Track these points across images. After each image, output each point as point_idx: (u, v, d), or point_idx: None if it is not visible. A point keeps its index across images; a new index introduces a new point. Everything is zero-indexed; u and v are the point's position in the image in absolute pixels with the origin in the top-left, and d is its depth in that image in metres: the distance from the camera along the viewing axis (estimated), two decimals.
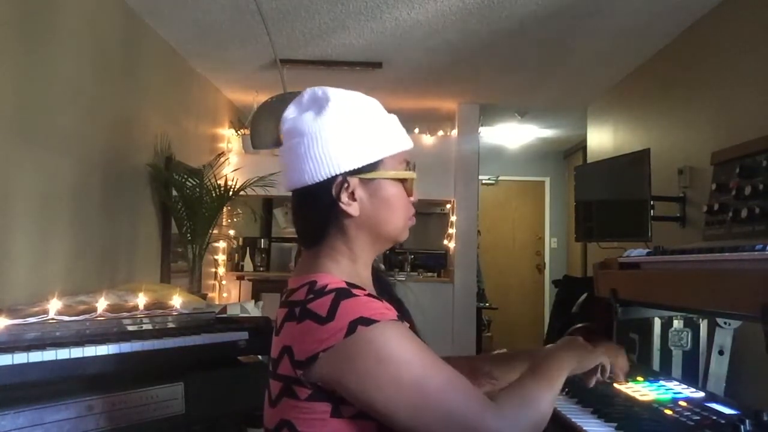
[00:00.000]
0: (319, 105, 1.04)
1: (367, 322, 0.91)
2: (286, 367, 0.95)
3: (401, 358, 0.91)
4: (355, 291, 0.96)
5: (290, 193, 1.09)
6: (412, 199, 1.09)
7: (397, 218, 1.07)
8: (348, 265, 1.05)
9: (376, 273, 1.15)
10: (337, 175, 1.01)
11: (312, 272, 1.01)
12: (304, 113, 1.05)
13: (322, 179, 1.01)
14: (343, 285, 0.97)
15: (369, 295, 0.97)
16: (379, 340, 0.91)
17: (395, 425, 0.92)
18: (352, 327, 0.90)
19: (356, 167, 1.02)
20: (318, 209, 1.04)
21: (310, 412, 0.94)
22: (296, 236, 1.12)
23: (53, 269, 2.59)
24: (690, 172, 3.28)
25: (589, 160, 5.18)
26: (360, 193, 1.03)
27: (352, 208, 1.03)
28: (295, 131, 1.05)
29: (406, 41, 3.76)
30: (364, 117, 1.04)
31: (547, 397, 1.00)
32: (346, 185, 1.02)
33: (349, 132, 1.02)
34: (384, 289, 1.14)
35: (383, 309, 0.94)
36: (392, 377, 0.90)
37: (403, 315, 1.11)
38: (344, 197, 1.02)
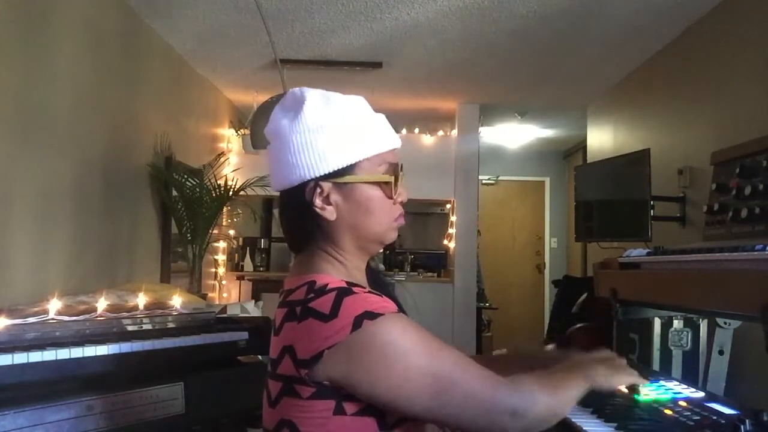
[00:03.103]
0: (295, 108, 1.04)
1: (372, 316, 0.91)
2: (288, 367, 0.95)
3: (409, 347, 0.92)
4: (355, 288, 0.96)
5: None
6: (399, 199, 1.07)
7: (378, 221, 1.05)
8: (341, 268, 1.05)
9: (373, 273, 1.15)
10: (309, 180, 1.01)
11: (310, 273, 1.02)
12: (282, 117, 1.05)
13: (295, 184, 1.02)
14: (344, 284, 0.97)
15: (368, 291, 0.98)
16: (385, 333, 0.91)
17: (408, 413, 0.93)
18: (358, 322, 0.91)
19: (328, 171, 1.01)
20: (297, 213, 1.05)
21: (311, 410, 0.94)
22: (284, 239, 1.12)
23: (53, 269, 2.58)
24: (690, 172, 3.28)
25: (589, 160, 5.17)
26: (335, 197, 1.03)
27: (327, 213, 1.02)
28: (273, 134, 1.06)
29: (406, 41, 3.76)
30: (338, 119, 1.03)
31: (570, 392, 1.01)
32: (319, 190, 1.02)
33: (320, 136, 1.01)
34: (381, 290, 1.15)
35: (384, 303, 0.95)
36: (403, 368, 0.91)
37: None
38: (318, 202, 1.02)
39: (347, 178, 1.02)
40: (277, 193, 1.09)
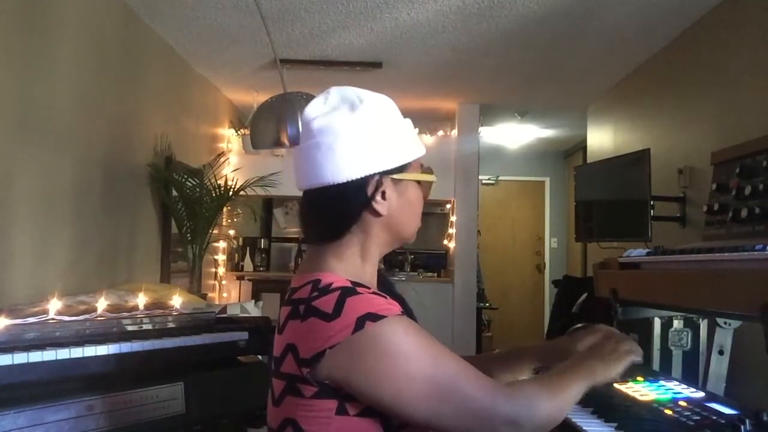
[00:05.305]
0: (351, 104, 1.04)
1: (375, 317, 0.91)
2: (291, 366, 0.95)
3: (410, 351, 0.92)
4: (359, 289, 0.96)
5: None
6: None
7: (414, 220, 1.10)
8: (354, 263, 1.05)
9: (378, 273, 1.15)
10: (374, 174, 1.02)
11: (315, 271, 1.02)
12: (334, 111, 1.03)
13: (358, 177, 1.01)
14: (348, 284, 0.97)
15: (373, 292, 0.98)
16: (387, 335, 0.91)
17: (408, 419, 0.93)
18: (360, 323, 0.91)
19: (391, 167, 1.04)
20: (347, 207, 1.03)
21: (314, 410, 0.94)
22: (305, 231, 1.10)
23: (53, 269, 2.59)
24: (690, 172, 3.28)
25: (589, 160, 5.17)
26: (390, 193, 1.04)
27: (382, 207, 1.04)
28: (327, 129, 1.02)
29: (406, 41, 3.76)
30: (395, 119, 1.07)
31: (568, 397, 1.00)
32: (380, 185, 1.03)
33: (385, 132, 1.04)
34: (386, 288, 1.15)
35: (388, 305, 0.95)
36: (403, 371, 0.91)
37: (406, 312, 1.11)
38: (378, 196, 1.03)
39: (404, 175, 1.06)
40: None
